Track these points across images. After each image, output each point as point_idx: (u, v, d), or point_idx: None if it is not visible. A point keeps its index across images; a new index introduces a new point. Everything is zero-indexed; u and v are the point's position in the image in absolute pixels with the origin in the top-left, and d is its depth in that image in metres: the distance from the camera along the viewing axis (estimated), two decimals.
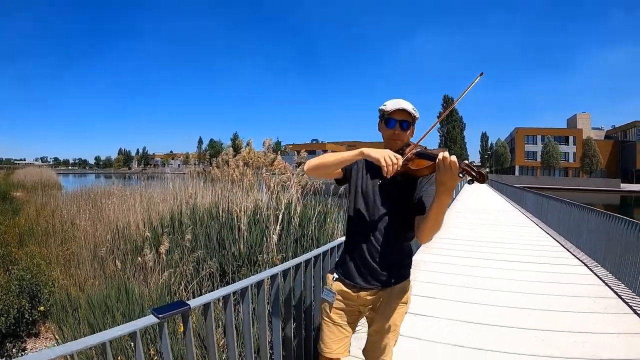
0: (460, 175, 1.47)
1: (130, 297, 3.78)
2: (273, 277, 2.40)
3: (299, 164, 7.07)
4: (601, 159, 69.87)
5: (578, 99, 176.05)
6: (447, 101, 73.32)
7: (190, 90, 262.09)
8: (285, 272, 2.52)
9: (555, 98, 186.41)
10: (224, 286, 2.31)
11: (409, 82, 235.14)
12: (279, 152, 7.83)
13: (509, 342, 3.61)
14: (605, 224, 6.99)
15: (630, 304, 4.77)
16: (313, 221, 5.97)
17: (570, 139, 73.97)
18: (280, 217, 5.46)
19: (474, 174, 1.45)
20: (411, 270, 2.07)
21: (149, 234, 5.59)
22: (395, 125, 1.89)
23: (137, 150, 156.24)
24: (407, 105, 1.88)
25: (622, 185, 56.28)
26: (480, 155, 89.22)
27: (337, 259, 2.36)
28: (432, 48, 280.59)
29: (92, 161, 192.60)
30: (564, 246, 8.66)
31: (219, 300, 2.09)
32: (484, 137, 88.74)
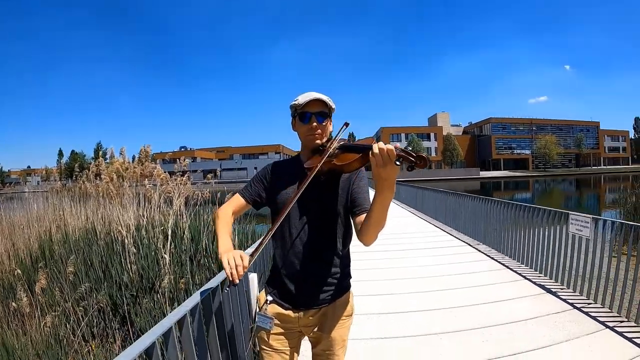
0: (397, 163, 1.29)
1: (11, 355, 2.97)
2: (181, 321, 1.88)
3: (184, 172, 6.54)
4: (461, 151, 79.72)
5: (438, 100, 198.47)
6: None
7: (42, 99, 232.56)
8: (192, 310, 1.92)
9: (417, 99, 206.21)
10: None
11: (277, 87, 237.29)
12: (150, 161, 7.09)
13: (427, 323, 3.85)
14: (480, 206, 7.99)
15: (519, 272, 5.59)
16: (204, 234, 5.48)
17: (432, 135, 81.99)
18: (170, 233, 4.86)
19: (412, 159, 1.26)
20: None
21: (18, 271, 4.53)
22: (311, 118, 1.67)
23: None
24: (320, 95, 1.66)
25: (480, 173, 64.49)
26: None
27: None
28: (299, 54, 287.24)
29: None
30: (444, 230, 9.70)
31: None
32: (350, 138, 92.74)
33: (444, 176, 63.54)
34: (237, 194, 1.82)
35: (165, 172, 6.39)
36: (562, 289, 4.79)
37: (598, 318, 3.83)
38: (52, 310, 3.73)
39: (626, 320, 3.75)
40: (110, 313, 3.89)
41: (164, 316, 3.65)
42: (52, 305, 3.83)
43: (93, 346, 3.56)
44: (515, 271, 5.64)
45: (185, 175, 6.32)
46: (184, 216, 5.81)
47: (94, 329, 3.76)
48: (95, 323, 3.80)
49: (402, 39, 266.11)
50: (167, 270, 4.21)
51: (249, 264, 1.42)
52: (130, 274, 4.28)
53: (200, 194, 6.73)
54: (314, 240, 1.69)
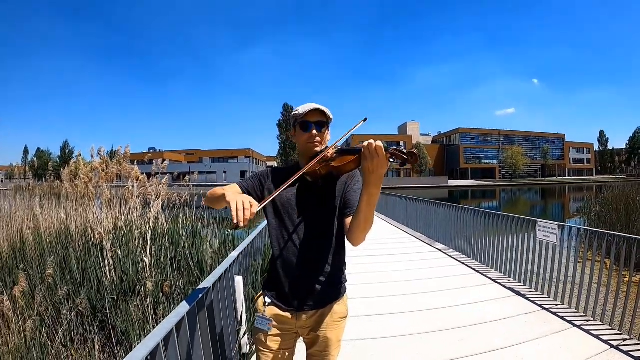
0: (391, 160, 1.39)
1: None
2: (179, 324, 1.83)
3: (163, 174, 6.50)
4: (430, 160, 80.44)
5: (408, 109, 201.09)
6: (287, 109, 76.91)
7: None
8: (179, 324, 1.82)
9: (387, 108, 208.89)
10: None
11: (248, 90, 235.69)
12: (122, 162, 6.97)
13: (405, 325, 3.99)
14: (451, 214, 8.28)
15: (488, 276, 5.85)
16: (184, 236, 5.47)
17: (402, 143, 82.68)
18: (150, 235, 4.84)
19: (404, 156, 1.36)
20: None
21: None
22: (312, 127, 1.76)
23: None
24: (320, 106, 1.76)
25: (449, 181, 65.63)
26: None
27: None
28: (269, 60, 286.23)
29: None
30: (415, 237, 9.91)
31: None
32: None
33: (413, 184, 64.32)
34: (235, 183, 1.83)
35: (143, 173, 6.33)
36: (530, 291, 5.04)
37: (565, 318, 4.08)
38: (32, 314, 3.61)
39: (592, 319, 4.03)
40: (90, 317, 3.80)
41: (147, 320, 3.63)
42: (30, 309, 3.71)
43: (73, 352, 3.50)
44: (485, 275, 5.88)
45: (165, 178, 6.28)
46: (162, 219, 5.76)
47: (73, 333, 3.67)
48: (74, 327, 3.70)
49: (374, 48, 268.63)
50: (151, 273, 4.19)
51: (256, 211, 1.41)
52: (111, 276, 4.23)
53: (177, 197, 6.69)
54: (313, 244, 1.75)
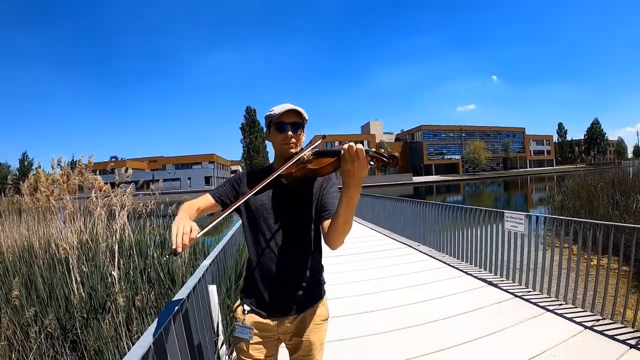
0: (372, 163, 1.37)
1: None
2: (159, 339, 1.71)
3: (127, 184, 6.33)
4: None
5: (371, 109, 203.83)
6: (250, 112, 76.83)
7: None
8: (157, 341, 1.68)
9: (350, 108, 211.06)
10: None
11: (210, 93, 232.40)
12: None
13: (382, 322, 4.02)
14: (419, 209, 8.45)
15: (460, 268, 5.99)
16: (152, 247, 5.34)
17: (365, 142, 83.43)
18: (117, 247, 4.69)
19: (385, 159, 1.34)
20: None
21: None
22: (287, 128, 1.73)
23: None
24: (296, 107, 1.73)
25: (413, 178, 66.44)
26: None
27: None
28: (231, 64, 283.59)
29: None
30: (384, 234, 9.97)
31: None
32: None
33: (378, 182, 65.01)
34: (207, 193, 1.81)
35: (106, 183, 6.14)
36: (502, 281, 5.18)
37: (539, 304, 4.22)
38: None
39: (564, 303, 4.19)
40: (61, 338, 3.60)
41: (120, 337, 3.50)
42: None
43: None
44: (457, 268, 6.00)
45: (130, 187, 6.11)
46: (128, 229, 5.61)
47: (44, 356, 3.48)
48: (44, 350, 3.50)
49: (338, 49, 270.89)
50: (120, 288, 4.03)
51: (196, 237, 1.40)
52: (79, 294, 4.05)
53: (144, 206, 6.52)
54: (290, 247, 1.72)
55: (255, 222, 1.74)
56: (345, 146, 1.38)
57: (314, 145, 1.71)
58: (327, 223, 1.64)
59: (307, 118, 1.79)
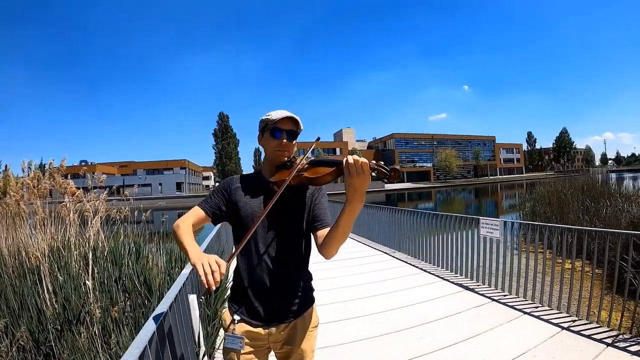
0: (373, 174, 1.40)
1: None
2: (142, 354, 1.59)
3: (103, 188, 6.17)
4: None
5: (343, 117, 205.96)
6: (222, 118, 77.05)
7: None
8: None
9: (322, 116, 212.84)
10: None
11: (182, 98, 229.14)
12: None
13: (362, 329, 4.05)
14: (393, 217, 8.59)
15: (436, 274, 6.06)
16: (127, 255, 5.19)
17: (338, 150, 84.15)
18: (91, 255, 4.54)
19: (385, 171, 1.36)
20: None
21: None
22: (282, 135, 1.72)
23: None
24: (294, 115, 1.74)
25: (385, 185, 66.98)
26: (254, 168, 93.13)
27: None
28: (204, 70, 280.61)
29: None
30: (359, 242, 10.04)
31: None
32: (257, 152, 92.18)
33: None
34: (197, 206, 1.77)
35: (78, 188, 5.97)
36: (478, 285, 5.30)
37: (515, 307, 4.34)
38: None
39: (540, 305, 4.32)
40: (33, 351, 3.42)
41: (97, 350, 3.38)
42: None
43: None
44: (433, 274, 6.08)
45: (104, 192, 5.95)
46: (102, 236, 5.45)
47: None
48: None
49: (310, 56, 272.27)
50: (95, 297, 3.90)
51: (225, 270, 1.38)
52: (52, 304, 3.90)
53: (117, 212, 6.35)
54: (281, 255, 1.71)
55: (244, 229, 1.68)
56: (350, 160, 1.37)
57: (307, 154, 1.70)
58: (320, 233, 1.66)
59: (302, 128, 1.79)
